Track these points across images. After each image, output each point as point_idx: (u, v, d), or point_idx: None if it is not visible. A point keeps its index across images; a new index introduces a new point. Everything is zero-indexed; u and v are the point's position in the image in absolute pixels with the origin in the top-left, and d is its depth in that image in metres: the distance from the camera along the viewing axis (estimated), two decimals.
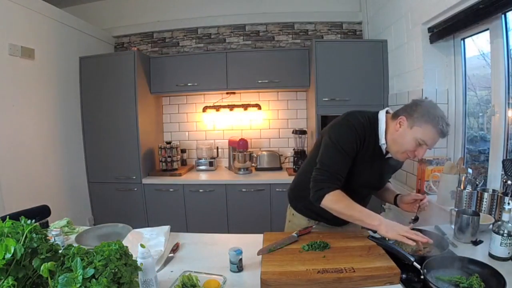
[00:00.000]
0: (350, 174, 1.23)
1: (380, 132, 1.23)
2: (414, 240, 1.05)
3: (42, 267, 0.77)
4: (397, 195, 1.43)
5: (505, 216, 1.10)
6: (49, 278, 0.77)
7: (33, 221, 0.89)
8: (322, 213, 1.31)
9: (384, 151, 1.26)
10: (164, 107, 3.31)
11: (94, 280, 0.74)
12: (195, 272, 1.00)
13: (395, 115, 1.24)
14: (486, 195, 1.48)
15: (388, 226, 1.11)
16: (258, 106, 3.16)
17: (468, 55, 1.96)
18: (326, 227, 1.42)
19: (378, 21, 2.73)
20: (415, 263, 0.98)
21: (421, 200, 1.33)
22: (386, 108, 1.32)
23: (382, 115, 1.27)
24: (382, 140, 1.23)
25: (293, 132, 3.01)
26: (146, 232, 1.32)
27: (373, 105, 2.57)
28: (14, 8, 2.14)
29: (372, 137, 1.23)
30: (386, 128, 1.23)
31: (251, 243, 1.23)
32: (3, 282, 0.74)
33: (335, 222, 1.38)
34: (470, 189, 1.53)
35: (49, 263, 0.78)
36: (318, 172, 1.21)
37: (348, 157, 1.20)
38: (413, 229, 1.15)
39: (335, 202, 1.17)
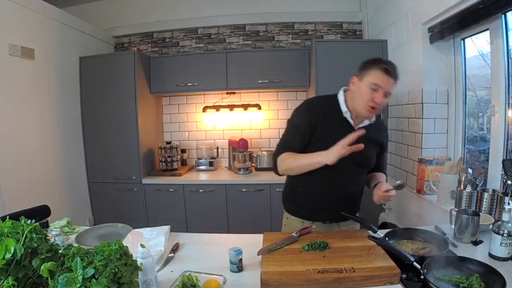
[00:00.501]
0: (320, 147, 1.25)
1: (341, 104, 1.33)
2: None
3: (42, 267, 0.77)
4: (378, 182, 1.39)
5: (505, 216, 1.10)
6: (49, 278, 0.77)
7: (33, 221, 0.89)
8: (314, 210, 1.37)
9: (351, 122, 1.32)
10: (164, 107, 3.31)
11: (94, 280, 0.74)
12: (195, 272, 1.00)
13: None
14: (486, 195, 1.48)
15: (329, 153, 1.17)
16: (258, 106, 3.16)
17: (468, 55, 1.96)
18: (323, 226, 1.41)
19: (378, 21, 2.73)
20: (415, 263, 0.98)
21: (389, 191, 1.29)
22: (343, 87, 1.39)
23: (340, 92, 1.38)
24: (344, 108, 1.31)
25: None
26: (146, 232, 1.33)
27: None
28: (14, 8, 2.14)
29: (332, 110, 1.33)
30: (345, 99, 1.33)
31: (251, 243, 1.24)
32: (3, 282, 0.74)
33: (329, 219, 1.40)
34: (470, 189, 1.53)
35: (49, 263, 0.78)
36: (275, 149, 1.37)
37: (298, 131, 1.32)
38: (410, 227, 1.16)
39: (284, 161, 1.30)
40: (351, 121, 1.32)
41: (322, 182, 1.33)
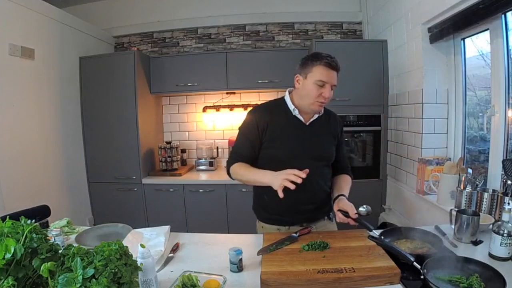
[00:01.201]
0: (274, 147, 1.31)
1: (288, 103, 1.35)
2: (294, 180, 1.08)
3: (42, 267, 0.77)
4: (340, 195, 1.33)
5: (505, 216, 1.10)
6: (49, 278, 0.77)
7: (33, 221, 0.89)
8: (287, 214, 1.36)
9: (301, 118, 1.34)
10: (164, 107, 3.31)
11: (94, 280, 0.74)
12: (195, 272, 1.00)
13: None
14: (486, 195, 1.48)
15: (273, 179, 1.15)
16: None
17: (468, 55, 1.96)
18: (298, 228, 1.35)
19: (378, 21, 2.74)
20: (415, 263, 0.98)
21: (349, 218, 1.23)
22: (288, 89, 1.42)
23: (286, 93, 1.40)
24: (291, 106, 1.34)
25: None
26: (146, 232, 1.32)
27: (373, 105, 2.58)
28: (14, 8, 2.14)
29: (280, 111, 1.35)
30: (291, 99, 1.35)
31: (251, 243, 1.24)
32: (3, 282, 0.74)
33: (305, 220, 1.38)
34: (470, 189, 1.53)
35: (49, 263, 0.78)
36: (228, 157, 1.43)
37: (247, 139, 1.34)
38: (409, 227, 1.14)
39: (236, 172, 1.33)
40: (300, 117, 1.34)
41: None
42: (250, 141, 1.34)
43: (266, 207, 1.42)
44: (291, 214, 1.37)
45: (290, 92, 1.39)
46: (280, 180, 1.10)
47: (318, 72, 1.24)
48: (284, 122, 1.33)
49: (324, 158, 1.39)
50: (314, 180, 1.32)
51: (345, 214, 1.23)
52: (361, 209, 1.24)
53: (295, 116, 1.34)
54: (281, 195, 1.10)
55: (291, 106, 1.34)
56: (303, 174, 1.10)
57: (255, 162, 1.35)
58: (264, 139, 1.33)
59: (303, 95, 1.29)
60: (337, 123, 1.44)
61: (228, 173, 1.39)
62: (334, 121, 1.44)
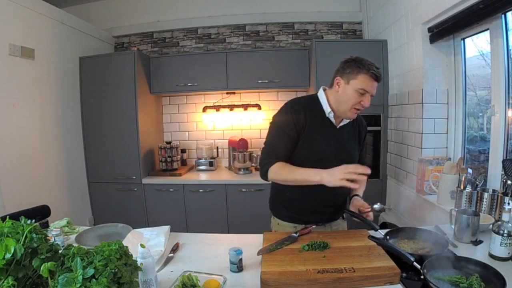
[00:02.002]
0: (308, 149, 1.29)
1: (323, 104, 1.32)
2: (356, 180, 1.09)
3: (42, 267, 0.77)
4: (355, 195, 1.39)
5: (505, 216, 1.10)
6: (49, 278, 0.77)
7: (33, 221, 0.89)
8: (307, 213, 1.36)
9: (333, 121, 1.33)
10: (164, 107, 3.31)
11: (94, 280, 0.74)
12: (195, 272, 1.00)
13: (332, 82, 1.32)
14: (486, 195, 1.48)
15: (329, 176, 1.13)
16: (258, 106, 3.16)
17: (468, 55, 1.95)
18: (317, 228, 1.38)
19: (378, 21, 2.73)
20: (415, 263, 0.98)
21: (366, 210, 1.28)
22: (322, 87, 1.38)
23: (320, 91, 1.37)
24: (328, 109, 1.31)
25: None
26: (146, 232, 1.32)
27: (373, 105, 2.55)
28: (14, 8, 2.14)
29: (316, 111, 1.32)
30: (328, 99, 1.32)
31: (251, 243, 1.24)
32: (3, 282, 0.74)
33: (322, 220, 1.40)
34: (470, 189, 1.53)
35: (49, 263, 0.78)
36: (261, 153, 1.33)
37: (285, 134, 1.28)
38: (409, 227, 1.15)
39: (278, 172, 1.25)
40: (333, 120, 1.33)
41: (312, 184, 1.29)
42: (289, 136, 1.28)
43: (286, 204, 1.41)
44: (310, 214, 1.38)
45: (324, 90, 1.36)
46: (338, 177, 1.10)
47: (362, 81, 1.22)
48: (319, 123, 1.30)
49: (350, 162, 1.36)
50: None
51: (353, 214, 1.27)
52: (375, 206, 1.30)
53: (328, 118, 1.32)
54: (352, 185, 1.09)
55: (327, 108, 1.31)
56: (366, 169, 1.10)
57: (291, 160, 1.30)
58: (300, 137, 1.29)
59: (342, 100, 1.27)
60: (363, 128, 1.45)
61: (265, 174, 1.29)
62: (361, 126, 1.45)
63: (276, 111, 1.37)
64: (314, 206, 1.37)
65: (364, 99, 1.24)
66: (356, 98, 1.23)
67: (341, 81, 1.27)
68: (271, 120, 1.36)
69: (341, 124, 1.35)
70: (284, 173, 1.24)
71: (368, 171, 1.12)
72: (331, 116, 1.31)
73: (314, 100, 1.35)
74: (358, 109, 1.26)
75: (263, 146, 1.35)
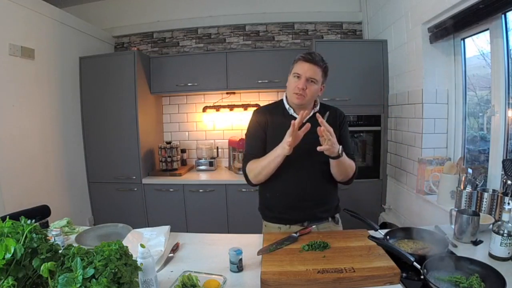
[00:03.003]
0: (272, 141, 1.33)
1: (285, 102, 1.42)
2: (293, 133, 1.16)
3: (42, 267, 0.77)
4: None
5: (505, 216, 1.10)
6: (49, 278, 0.77)
7: (33, 221, 0.89)
8: (288, 210, 1.38)
9: (296, 115, 1.37)
10: (164, 107, 3.31)
11: (94, 280, 0.74)
12: (195, 272, 1.00)
13: None
14: (486, 195, 1.48)
15: (281, 146, 1.23)
16: (258, 106, 3.16)
17: (468, 55, 1.96)
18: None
19: (378, 21, 2.73)
20: (415, 263, 0.98)
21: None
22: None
23: (284, 94, 1.46)
24: (287, 105, 1.41)
25: None
26: (146, 232, 1.32)
27: (373, 105, 2.58)
28: (14, 8, 2.14)
29: (279, 111, 1.41)
30: (286, 97, 1.42)
31: (251, 243, 1.24)
32: (3, 282, 0.74)
33: (306, 219, 1.39)
34: (470, 189, 1.53)
35: (49, 263, 0.78)
36: (242, 164, 1.44)
37: (253, 135, 1.42)
38: (409, 227, 1.14)
39: (251, 168, 1.36)
40: (296, 115, 1.37)
41: (289, 179, 1.36)
42: (259, 139, 1.40)
43: (268, 205, 1.46)
44: (292, 211, 1.39)
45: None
46: (286, 143, 1.19)
47: (296, 66, 1.34)
48: (281, 122, 1.36)
49: (322, 154, 1.34)
50: (313, 176, 1.36)
51: (353, 213, 1.31)
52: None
53: (291, 115, 1.38)
54: (291, 146, 1.18)
55: (286, 105, 1.41)
56: (298, 119, 1.17)
57: None
58: (267, 137, 1.39)
59: (287, 91, 1.38)
60: (336, 117, 1.43)
61: (246, 176, 1.40)
62: (332, 115, 1.40)
63: None
64: (293, 202, 1.38)
65: (299, 82, 1.30)
66: (293, 83, 1.33)
67: (289, 75, 1.38)
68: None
69: (307, 117, 1.28)
70: (254, 165, 1.35)
71: (298, 119, 1.17)
72: (291, 111, 1.39)
73: (277, 103, 1.47)
74: (298, 94, 1.31)
75: None
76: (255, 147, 1.40)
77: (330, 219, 1.44)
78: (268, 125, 1.40)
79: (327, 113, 1.28)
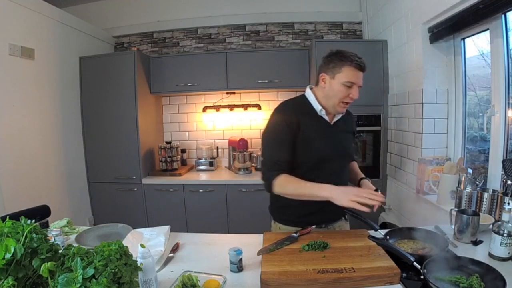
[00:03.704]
0: (306, 150, 1.26)
1: (313, 102, 1.31)
2: (369, 205, 1.07)
3: (42, 267, 0.77)
4: (362, 179, 1.43)
5: (505, 216, 1.10)
6: (49, 278, 0.77)
7: (33, 221, 0.89)
8: (309, 215, 1.33)
9: (327, 118, 1.32)
10: (164, 107, 3.31)
11: (94, 280, 0.74)
12: (195, 272, 1.00)
13: (316, 80, 1.32)
14: (486, 195, 1.48)
15: (340, 194, 1.11)
16: (258, 106, 3.16)
17: (468, 55, 1.95)
18: (320, 229, 1.38)
19: (378, 21, 2.73)
20: (415, 263, 0.98)
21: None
22: (309, 85, 1.38)
23: (307, 91, 1.35)
24: (318, 107, 1.29)
25: None
26: (146, 232, 1.32)
27: (373, 105, 2.58)
28: (14, 8, 2.14)
29: (307, 110, 1.30)
30: (316, 97, 1.31)
31: (251, 243, 1.23)
32: (3, 282, 0.74)
33: (324, 221, 1.38)
34: (470, 189, 1.53)
35: (49, 263, 0.78)
36: (262, 165, 1.30)
37: (283, 141, 1.25)
38: (410, 227, 1.16)
39: (283, 186, 1.22)
40: (326, 117, 1.32)
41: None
42: (286, 141, 1.24)
43: (287, 208, 1.37)
44: (312, 215, 1.34)
45: (311, 89, 1.34)
46: (349, 198, 1.08)
47: (347, 73, 1.21)
48: (312, 123, 1.28)
49: (348, 157, 1.41)
50: (341, 179, 1.34)
51: (353, 213, 1.26)
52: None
53: (320, 116, 1.31)
54: (366, 209, 1.07)
55: (317, 107, 1.29)
56: (381, 198, 1.07)
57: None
58: (296, 139, 1.25)
59: (330, 95, 1.25)
60: (353, 121, 1.47)
61: (269, 188, 1.25)
62: (351, 118, 1.46)
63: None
64: (318, 206, 1.31)
65: (352, 91, 1.23)
66: (344, 91, 1.23)
67: (326, 76, 1.26)
68: (263, 130, 1.33)
69: (335, 119, 1.35)
70: (289, 187, 1.21)
71: (383, 199, 1.09)
72: (323, 113, 1.30)
73: (302, 100, 1.34)
74: (347, 103, 1.26)
75: (262, 159, 1.32)
76: (282, 154, 1.24)
77: (343, 218, 1.46)
78: (301, 126, 1.25)
79: None
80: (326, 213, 1.36)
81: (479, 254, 1.15)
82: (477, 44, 1.89)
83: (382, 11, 2.63)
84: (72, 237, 1.40)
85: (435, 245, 1.15)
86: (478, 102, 1.99)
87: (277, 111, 1.31)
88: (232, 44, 3.26)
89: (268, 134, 1.29)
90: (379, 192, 1.16)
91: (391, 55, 2.50)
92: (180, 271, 1.04)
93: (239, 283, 1.01)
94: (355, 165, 1.52)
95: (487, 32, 1.70)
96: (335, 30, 3.17)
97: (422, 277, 0.94)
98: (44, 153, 2.45)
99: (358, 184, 1.43)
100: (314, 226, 1.34)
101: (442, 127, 2.08)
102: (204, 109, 3.22)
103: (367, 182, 1.40)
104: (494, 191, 1.49)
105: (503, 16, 1.56)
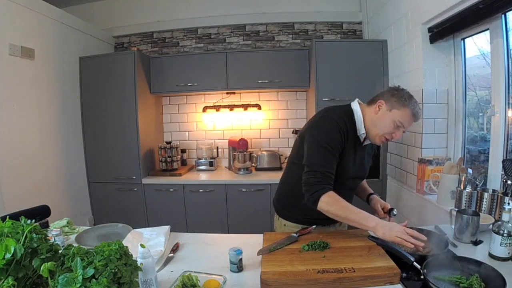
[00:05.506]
0: (338, 167, 1.25)
1: (358, 121, 1.28)
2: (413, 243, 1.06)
3: (42, 267, 0.77)
4: (370, 194, 1.50)
5: (505, 216, 1.10)
6: (49, 278, 0.77)
7: (33, 221, 0.89)
8: (316, 216, 1.30)
9: (362, 140, 1.32)
10: (164, 107, 3.31)
11: (94, 280, 0.74)
12: (195, 272, 1.00)
13: (372, 101, 1.30)
14: (486, 195, 1.48)
15: (385, 228, 1.12)
16: (258, 106, 3.16)
17: (468, 55, 1.95)
18: (322, 228, 1.41)
19: (378, 21, 2.73)
20: (415, 263, 0.98)
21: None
22: (356, 99, 1.35)
23: (355, 106, 1.32)
24: (362, 130, 1.28)
25: (293, 132, 3.00)
26: (146, 232, 1.32)
27: None
28: (14, 8, 2.14)
29: (352, 128, 1.28)
30: (363, 118, 1.29)
31: (251, 243, 1.23)
32: (3, 282, 0.74)
33: (329, 222, 1.41)
34: (470, 189, 1.53)
35: (49, 263, 0.78)
36: (310, 174, 1.21)
37: (335, 154, 1.23)
38: (410, 227, 1.16)
39: (331, 204, 1.17)
40: (362, 139, 1.32)
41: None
42: (335, 157, 1.23)
43: (297, 207, 1.38)
44: (321, 214, 1.30)
45: (359, 104, 1.32)
46: (395, 235, 1.08)
47: (404, 115, 1.21)
48: (352, 142, 1.28)
49: (363, 177, 1.47)
50: (351, 194, 1.43)
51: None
52: (394, 211, 1.40)
53: (358, 136, 1.30)
54: (410, 245, 1.06)
55: (361, 128, 1.28)
56: (423, 243, 1.06)
57: None
58: (340, 156, 1.25)
59: (377, 124, 1.25)
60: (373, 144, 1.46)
61: (315, 202, 1.18)
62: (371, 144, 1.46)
63: (275, 111, 1.36)
64: None
65: (397, 132, 1.24)
66: (391, 128, 1.23)
67: (384, 105, 1.24)
68: (310, 135, 1.27)
69: (365, 142, 1.35)
70: (336, 207, 1.17)
71: (423, 244, 1.07)
72: (361, 135, 1.30)
73: (350, 115, 1.29)
74: (387, 139, 1.26)
75: (306, 167, 1.23)
76: (334, 168, 1.23)
77: None
78: (345, 147, 1.25)
79: None
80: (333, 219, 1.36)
81: (479, 254, 1.15)
82: (477, 44, 1.89)
83: (382, 11, 2.63)
84: (72, 237, 1.40)
85: (435, 245, 1.15)
86: (478, 102, 1.99)
87: (335, 123, 1.24)
88: (232, 44, 3.26)
89: (322, 143, 1.22)
90: (421, 234, 1.13)
91: (391, 55, 2.50)
92: (180, 271, 1.04)
93: (239, 283, 1.01)
94: (364, 182, 1.57)
95: (487, 32, 1.70)
96: (335, 30, 3.17)
97: (422, 277, 0.94)
98: (44, 153, 2.45)
99: (367, 200, 1.49)
100: (314, 226, 1.35)
101: (442, 127, 2.08)
102: (204, 109, 3.22)
103: (376, 198, 1.45)
104: (494, 191, 1.49)
105: (503, 16, 1.56)
